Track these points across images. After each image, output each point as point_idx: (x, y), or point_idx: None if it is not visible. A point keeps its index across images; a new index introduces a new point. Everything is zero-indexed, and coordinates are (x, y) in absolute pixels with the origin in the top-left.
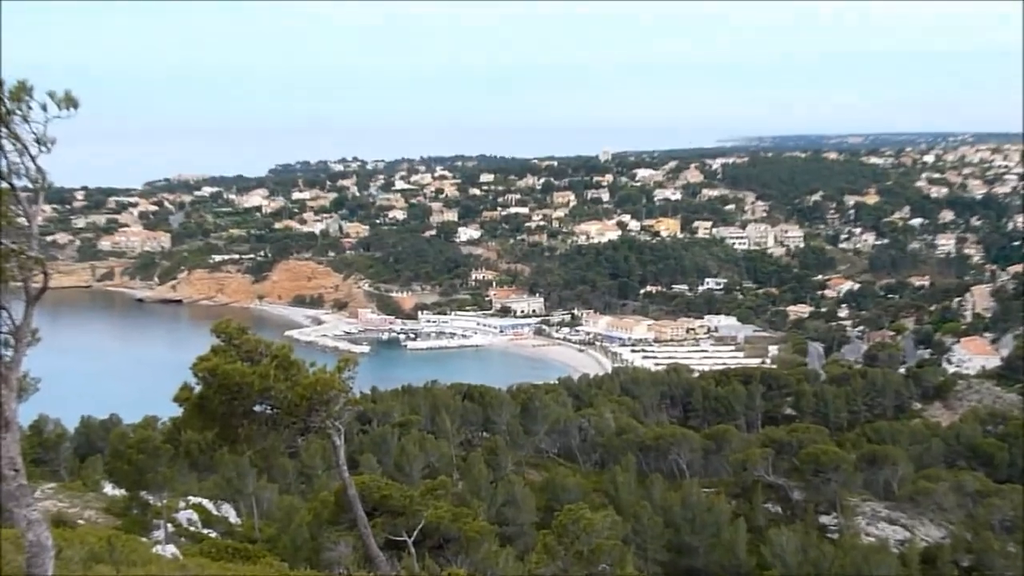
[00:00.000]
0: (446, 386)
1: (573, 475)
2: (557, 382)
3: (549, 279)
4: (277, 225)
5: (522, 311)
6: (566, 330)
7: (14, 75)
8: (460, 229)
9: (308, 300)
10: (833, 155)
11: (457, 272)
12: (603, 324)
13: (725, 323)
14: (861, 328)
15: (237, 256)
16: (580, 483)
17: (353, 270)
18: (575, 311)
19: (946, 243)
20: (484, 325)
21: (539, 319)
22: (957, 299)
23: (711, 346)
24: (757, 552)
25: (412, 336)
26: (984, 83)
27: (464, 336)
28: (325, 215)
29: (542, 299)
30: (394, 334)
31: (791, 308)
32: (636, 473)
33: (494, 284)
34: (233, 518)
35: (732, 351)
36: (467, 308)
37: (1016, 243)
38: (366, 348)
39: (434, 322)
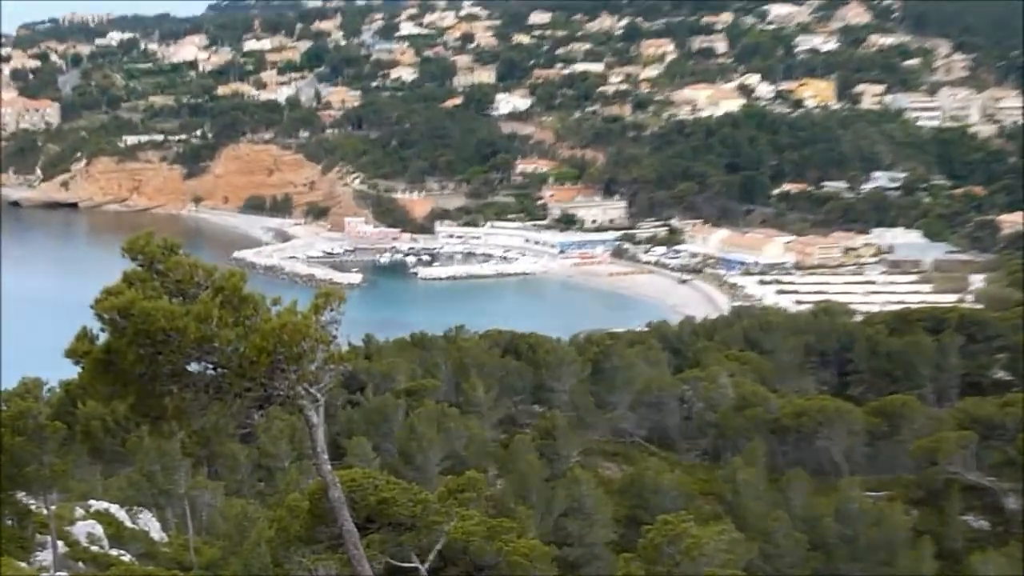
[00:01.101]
0: (478, 335)
1: (670, 470)
2: (647, 329)
3: (635, 173)
4: (222, 90)
5: (593, 221)
6: (660, 251)
7: None
8: (499, 97)
9: (269, 205)
10: None
11: (495, 162)
12: (716, 241)
13: (903, 240)
14: None
15: (161, 137)
16: (681, 482)
17: (337, 159)
18: (674, 222)
19: None
20: (536, 243)
21: (619, 234)
22: None
23: (882, 275)
24: None
25: (427, 259)
26: None
27: (505, 259)
28: (294, 75)
29: (624, 203)
30: (399, 256)
31: (1004, 217)
32: (766, 468)
33: (551, 180)
34: (156, 532)
35: (914, 283)
36: (510, 217)
37: None
38: (357, 277)
39: (460, 238)
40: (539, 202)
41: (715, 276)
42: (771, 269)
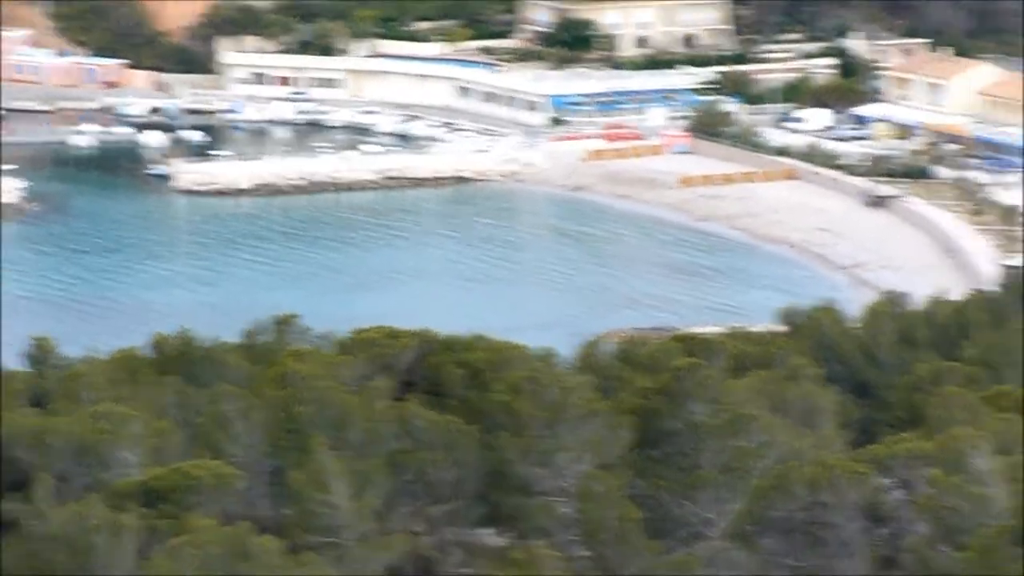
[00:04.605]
0: (334, 340)
1: None
2: (783, 328)
3: None
4: None
5: (640, 43)
6: (819, 118)
7: None
8: None
9: None
10: None
11: None
12: (964, 95)
13: None
14: None
15: None
16: None
17: None
18: (856, 43)
19: None
20: (491, 96)
21: (708, 75)
22: None
23: None
24: None
25: (197, 140)
26: None
27: (405, 140)
28: None
29: None
30: (125, 130)
31: None
32: None
33: None
34: None
35: None
36: (420, 28)
37: None
38: (14, 188)
39: (288, 85)
40: None
41: (962, 185)
42: None
